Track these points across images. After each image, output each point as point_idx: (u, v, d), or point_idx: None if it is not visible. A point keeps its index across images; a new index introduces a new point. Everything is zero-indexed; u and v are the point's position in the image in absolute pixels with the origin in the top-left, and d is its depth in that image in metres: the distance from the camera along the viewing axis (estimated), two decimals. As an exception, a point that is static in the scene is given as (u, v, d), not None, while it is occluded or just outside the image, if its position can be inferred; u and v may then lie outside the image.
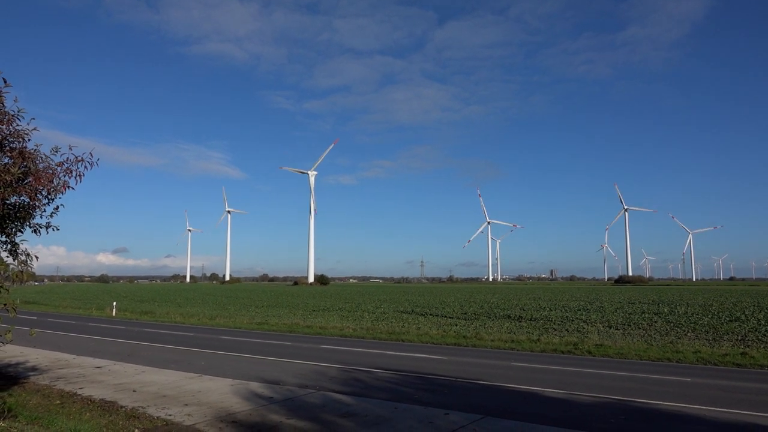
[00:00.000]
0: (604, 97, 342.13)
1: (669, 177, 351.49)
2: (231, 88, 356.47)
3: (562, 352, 18.66)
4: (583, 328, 24.92)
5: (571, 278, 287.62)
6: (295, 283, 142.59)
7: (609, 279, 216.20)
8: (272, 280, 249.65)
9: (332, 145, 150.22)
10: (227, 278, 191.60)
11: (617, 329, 24.32)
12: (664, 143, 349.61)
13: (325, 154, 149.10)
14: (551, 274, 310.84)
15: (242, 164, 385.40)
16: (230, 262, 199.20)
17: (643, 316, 29.14)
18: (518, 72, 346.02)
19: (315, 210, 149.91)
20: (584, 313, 31.84)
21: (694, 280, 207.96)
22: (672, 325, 24.91)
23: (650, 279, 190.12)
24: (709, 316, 27.91)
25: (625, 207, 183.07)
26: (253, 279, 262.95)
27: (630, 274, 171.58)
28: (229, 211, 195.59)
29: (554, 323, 27.05)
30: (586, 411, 10.08)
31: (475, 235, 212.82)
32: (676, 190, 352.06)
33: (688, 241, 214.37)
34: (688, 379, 13.43)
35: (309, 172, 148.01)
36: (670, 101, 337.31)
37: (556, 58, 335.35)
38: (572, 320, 28.03)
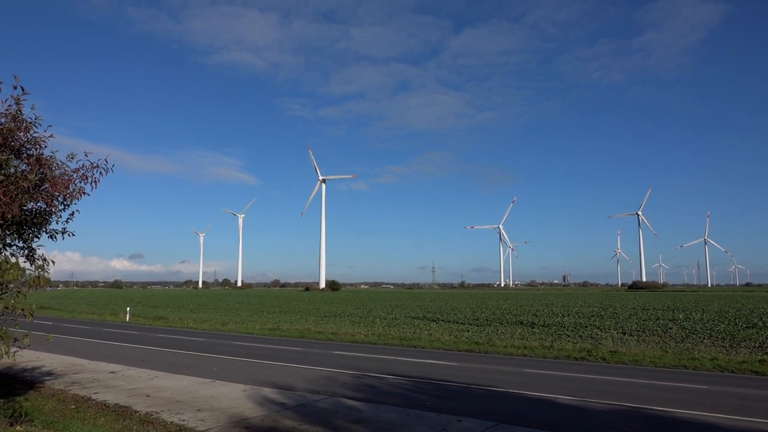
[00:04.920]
0: (619, 102, 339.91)
1: (683, 182, 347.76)
2: (248, 96, 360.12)
3: (576, 359, 18.49)
4: (597, 334, 24.68)
5: (584, 284, 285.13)
6: (307, 289, 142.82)
7: (622, 285, 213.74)
8: (284, 285, 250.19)
9: (309, 151, 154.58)
10: (239, 284, 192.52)
11: (632, 336, 24.05)
12: (679, 149, 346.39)
13: (314, 161, 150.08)
14: (564, 280, 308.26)
15: (256, 171, 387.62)
16: (242, 267, 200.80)
17: (657, 322, 28.78)
18: (532, 78, 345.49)
19: (354, 175, 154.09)
20: (598, 319, 31.53)
21: (709, 285, 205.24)
22: (687, 331, 24.58)
23: (664, 285, 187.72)
24: (726, 323, 27.50)
25: (639, 211, 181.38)
26: (265, 285, 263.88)
27: (644, 279, 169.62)
28: (240, 215, 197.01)
29: (567, 329, 26.81)
30: (600, 418, 9.97)
31: (501, 250, 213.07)
32: (690, 196, 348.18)
33: (704, 246, 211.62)
34: (705, 387, 13.23)
35: (319, 179, 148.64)
36: (685, 107, 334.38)
37: (570, 65, 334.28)
38: (586, 326, 27.77)
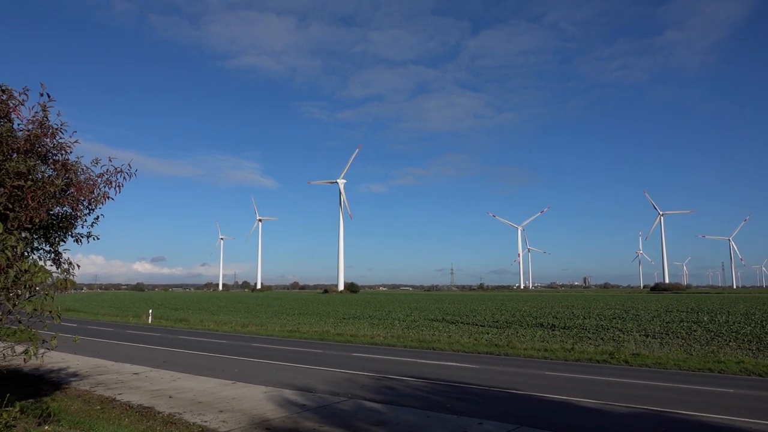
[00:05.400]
0: (640, 102, 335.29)
1: (706, 184, 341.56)
2: (266, 99, 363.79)
3: (598, 362, 18.26)
4: (619, 336, 24.34)
5: (605, 286, 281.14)
6: (326, 291, 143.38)
7: (645, 287, 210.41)
8: (303, 288, 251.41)
9: (356, 150, 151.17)
10: (259, 286, 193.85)
11: (655, 338, 23.68)
12: (701, 149, 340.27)
13: (350, 161, 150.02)
14: (584, 282, 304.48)
15: (275, 174, 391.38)
16: (261, 270, 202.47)
17: (681, 324, 28.26)
18: (552, 79, 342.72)
19: (350, 216, 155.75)
20: (620, 321, 31.08)
21: (734, 287, 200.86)
22: (713, 334, 24.09)
23: (688, 286, 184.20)
24: (752, 325, 26.88)
25: (661, 212, 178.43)
26: (284, 287, 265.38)
27: (667, 281, 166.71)
28: (260, 220, 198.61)
29: (588, 332, 26.50)
30: (623, 422, 9.84)
31: (521, 249, 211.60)
32: (713, 197, 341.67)
33: (730, 246, 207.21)
34: (731, 390, 12.97)
35: (338, 180, 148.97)
36: (708, 106, 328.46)
37: (591, 64, 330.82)
38: (607, 329, 27.40)
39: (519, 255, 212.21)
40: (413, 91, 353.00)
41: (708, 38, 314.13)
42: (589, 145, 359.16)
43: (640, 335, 24.72)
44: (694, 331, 25.35)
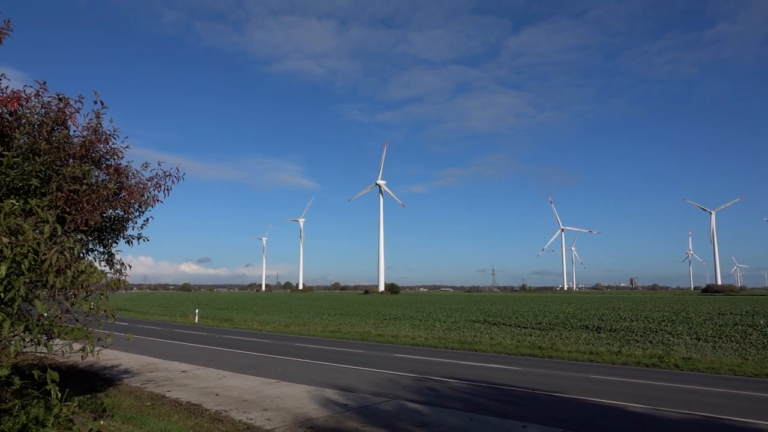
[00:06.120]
0: (690, 97, 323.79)
1: (761, 182, 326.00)
2: (308, 102, 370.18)
3: (646, 365, 17.71)
4: (669, 340, 23.52)
5: (653, 287, 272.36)
6: (366, 292, 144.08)
7: (695, 288, 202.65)
8: (343, 288, 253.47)
9: (385, 148, 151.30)
10: (300, 287, 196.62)
11: (707, 342, 22.77)
12: (754, 145, 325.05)
13: (383, 159, 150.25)
14: (631, 283, 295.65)
15: (316, 176, 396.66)
16: (303, 271, 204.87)
17: (735, 328, 27.07)
18: (596, 75, 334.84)
19: (403, 204, 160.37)
20: (669, 324, 30.04)
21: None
22: (770, 338, 22.99)
23: (742, 288, 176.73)
24: (814, 329, 25.53)
25: (711, 210, 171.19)
26: (325, 288, 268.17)
27: (719, 282, 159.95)
28: (294, 220, 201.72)
29: (636, 334, 25.71)
30: (674, 428, 9.50)
31: (549, 242, 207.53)
32: (764, 198, 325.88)
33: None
34: (791, 397, 12.35)
35: (378, 182, 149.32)
36: (763, 101, 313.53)
37: (637, 60, 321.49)
38: (656, 332, 26.52)
39: (542, 250, 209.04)
40: (453, 92, 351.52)
41: (763, 30, 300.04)
42: (634, 143, 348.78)
43: (691, 338, 23.82)
44: (750, 334, 24.24)
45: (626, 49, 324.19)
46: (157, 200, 8.88)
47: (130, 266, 8.78)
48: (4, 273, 4.90)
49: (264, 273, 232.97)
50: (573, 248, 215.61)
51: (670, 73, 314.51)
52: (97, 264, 8.37)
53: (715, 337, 24.08)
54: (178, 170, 9.00)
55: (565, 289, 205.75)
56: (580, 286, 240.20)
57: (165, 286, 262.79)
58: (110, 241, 9.12)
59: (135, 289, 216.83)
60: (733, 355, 19.20)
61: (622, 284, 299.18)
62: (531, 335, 26.28)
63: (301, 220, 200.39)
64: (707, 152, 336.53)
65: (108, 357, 17.06)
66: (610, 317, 35.80)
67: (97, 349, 7.06)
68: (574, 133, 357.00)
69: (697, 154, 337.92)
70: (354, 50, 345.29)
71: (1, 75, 7.15)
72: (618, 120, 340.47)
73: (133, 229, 9.33)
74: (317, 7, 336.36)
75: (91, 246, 8.99)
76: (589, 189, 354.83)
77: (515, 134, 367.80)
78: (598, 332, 27.42)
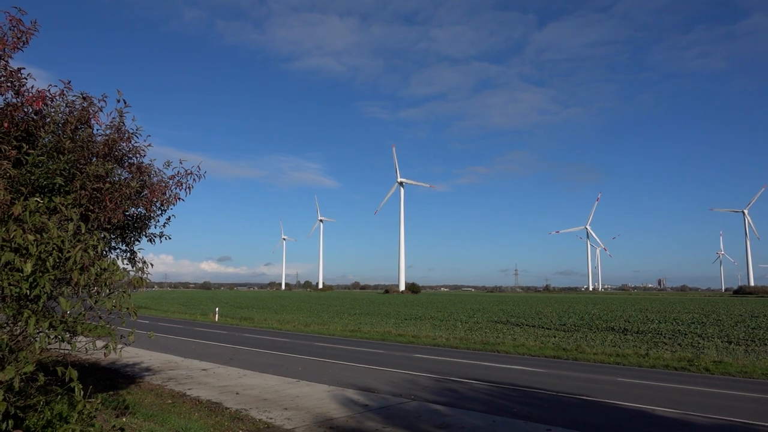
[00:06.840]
0: (720, 92, 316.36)
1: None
2: (328, 100, 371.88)
3: (675, 369, 17.25)
4: (699, 343, 22.92)
5: (682, 288, 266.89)
6: (386, 291, 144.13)
7: (726, 290, 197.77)
8: (363, 288, 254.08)
9: (393, 150, 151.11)
10: (320, 286, 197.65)
11: (739, 345, 22.13)
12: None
13: (396, 160, 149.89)
14: (659, 284, 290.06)
15: (336, 174, 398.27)
16: (323, 270, 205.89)
17: (768, 331, 26.30)
18: (622, 71, 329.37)
19: (433, 186, 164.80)
20: (699, 326, 29.32)
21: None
22: (804, 341, 22.25)
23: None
24: None
25: (744, 210, 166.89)
26: (345, 287, 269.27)
27: (752, 284, 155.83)
28: (321, 220, 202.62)
29: (664, 337, 25.13)
30: (706, 434, 9.18)
31: (566, 230, 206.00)
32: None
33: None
34: (829, 404, 11.86)
35: (399, 180, 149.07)
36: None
37: (665, 54, 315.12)
38: (685, 334, 25.90)
39: (557, 231, 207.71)
40: (475, 88, 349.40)
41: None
42: (661, 139, 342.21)
43: (722, 341, 23.19)
44: (783, 338, 23.50)
45: (654, 43, 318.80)
46: (179, 198, 8.90)
47: (151, 264, 8.80)
48: (29, 270, 4.91)
49: (284, 272, 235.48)
50: (602, 245, 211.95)
51: (700, 68, 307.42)
52: (119, 262, 8.42)
53: (747, 340, 23.40)
54: (199, 168, 9.01)
55: (591, 289, 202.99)
56: (606, 286, 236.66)
57: (185, 285, 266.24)
58: (132, 239, 9.18)
59: (156, 287, 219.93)
60: (767, 358, 18.60)
61: (650, 285, 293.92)
62: (555, 336, 25.88)
63: (320, 221, 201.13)
64: (738, 150, 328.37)
65: (129, 354, 17.26)
66: (637, 319, 35.10)
67: (119, 346, 7.08)
68: (599, 129, 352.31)
69: (728, 152, 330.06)
70: (375, 47, 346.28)
71: (28, 75, 7.22)
72: (644, 116, 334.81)
73: (155, 227, 9.38)
74: (338, 4, 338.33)
75: (113, 244, 9.06)
76: (615, 186, 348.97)
77: (539, 131, 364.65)
78: (625, 334, 26.88)
